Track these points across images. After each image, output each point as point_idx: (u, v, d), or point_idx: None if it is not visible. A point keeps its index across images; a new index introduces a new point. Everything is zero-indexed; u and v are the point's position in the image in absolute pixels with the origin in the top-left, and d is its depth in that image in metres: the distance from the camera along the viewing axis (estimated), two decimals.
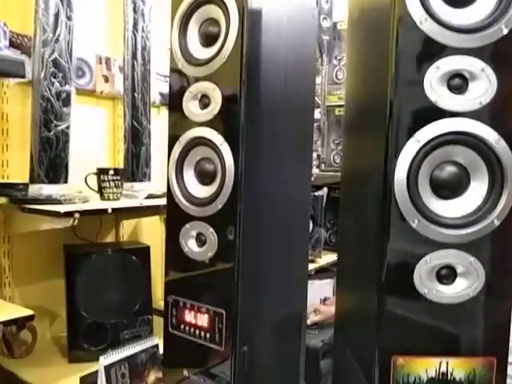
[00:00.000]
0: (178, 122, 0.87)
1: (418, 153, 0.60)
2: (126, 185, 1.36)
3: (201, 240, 0.84)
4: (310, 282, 2.06)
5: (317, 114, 2.27)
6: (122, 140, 1.43)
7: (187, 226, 0.84)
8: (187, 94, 0.86)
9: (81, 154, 1.35)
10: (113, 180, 1.23)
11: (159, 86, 1.67)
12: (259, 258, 0.84)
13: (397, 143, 0.62)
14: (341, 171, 0.98)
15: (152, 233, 1.63)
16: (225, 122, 0.81)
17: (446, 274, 0.60)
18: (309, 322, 1.65)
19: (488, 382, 0.60)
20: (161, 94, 1.66)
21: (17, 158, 1.28)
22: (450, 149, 0.61)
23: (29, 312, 0.96)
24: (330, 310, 1.69)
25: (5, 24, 1.20)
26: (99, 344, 1.19)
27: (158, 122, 1.62)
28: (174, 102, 0.90)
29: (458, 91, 0.62)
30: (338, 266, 0.99)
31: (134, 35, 1.42)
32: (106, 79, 1.51)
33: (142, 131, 1.39)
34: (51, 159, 1.14)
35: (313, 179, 1.84)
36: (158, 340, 1.11)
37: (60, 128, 1.16)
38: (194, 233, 0.84)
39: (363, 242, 0.75)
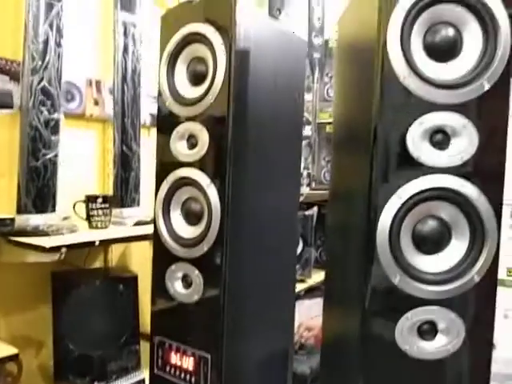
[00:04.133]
0: (166, 161, 0.88)
1: (400, 209, 0.61)
2: (115, 211, 1.36)
3: (187, 281, 0.84)
4: (299, 301, 2.06)
5: (308, 130, 2.28)
6: (112, 165, 1.42)
7: (173, 267, 0.84)
8: (175, 134, 0.86)
9: (70, 176, 1.34)
10: (101, 208, 1.23)
11: (150, 107, 1.67)
12: (246, 302, 0.84)
13: (377, 198, 0.62)
14: (329, 190, 0.99)
15: (141, 256, 1.63)
16: (212, 163, 0.81)
17: (428, 330, 0.60)
18: (302, 340, 1.66)
19: None
20: (151, 115, 1.66)
21: (5, 187, 1.26)
22: (432, 204, 0.62)
23: (13, 350, 0.95)
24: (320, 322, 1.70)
25: None
26: (86, 376, 1.18)
27: (148, 143, 1.62)
28: (161, 140, 0.90)
29: (439, 147, 0.63)
30: (325, 292, 0.98)
31: (125, 59, 1.42)
32: (96, 102, 1.51)
33: (131, 156, 1.39)
34: (39, 189, 1.14)
35: (302, 199, 1.85)
36: (144, 374, 1.10)
37: (48, 157, 1.15)
38: (179, 274, 0.84)
39: (348, 270, 0.76)
